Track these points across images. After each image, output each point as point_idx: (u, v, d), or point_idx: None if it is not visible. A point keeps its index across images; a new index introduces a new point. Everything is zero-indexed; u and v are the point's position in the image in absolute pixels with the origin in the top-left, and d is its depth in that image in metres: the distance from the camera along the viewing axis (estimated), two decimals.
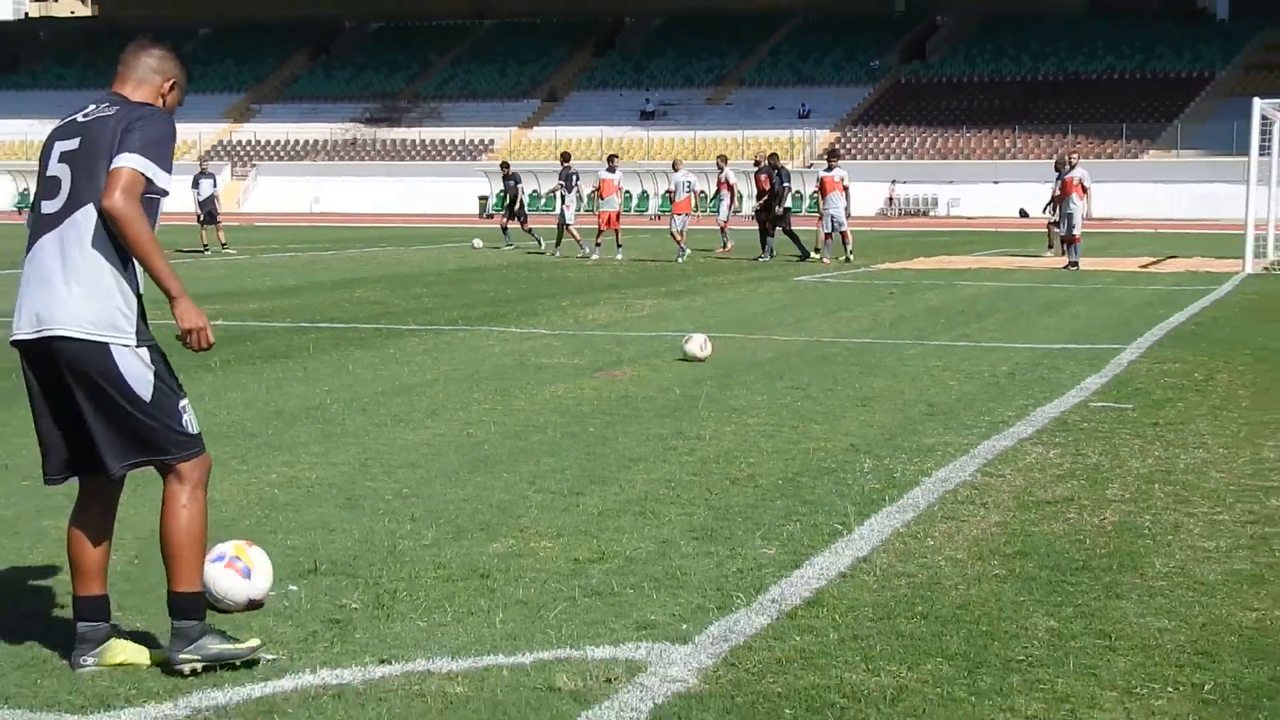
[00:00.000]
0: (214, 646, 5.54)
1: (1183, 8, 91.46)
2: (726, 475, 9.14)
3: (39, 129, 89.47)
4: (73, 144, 5.68)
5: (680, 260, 34.24)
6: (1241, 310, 21.30)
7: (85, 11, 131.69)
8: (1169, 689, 5.38)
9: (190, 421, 5.68)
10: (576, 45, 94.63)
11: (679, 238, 35.37)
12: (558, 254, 37.26)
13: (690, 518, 8.02)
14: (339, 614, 6.28)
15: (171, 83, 5.91)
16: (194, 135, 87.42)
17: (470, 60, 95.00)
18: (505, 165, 43.87)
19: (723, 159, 39.25)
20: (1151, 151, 75.56)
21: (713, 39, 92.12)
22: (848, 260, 33.35)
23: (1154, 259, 35.52)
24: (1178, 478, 9.05)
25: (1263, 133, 31.07)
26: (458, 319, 19.64)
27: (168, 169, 5.66)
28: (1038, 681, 5.44)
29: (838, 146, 58.47)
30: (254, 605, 6.00)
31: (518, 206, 42.03)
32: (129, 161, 5.52)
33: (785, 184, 36.80)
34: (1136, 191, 70.26)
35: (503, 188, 43.96)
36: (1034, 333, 18.12)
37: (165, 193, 5.68)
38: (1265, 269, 30.16)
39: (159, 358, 5.63)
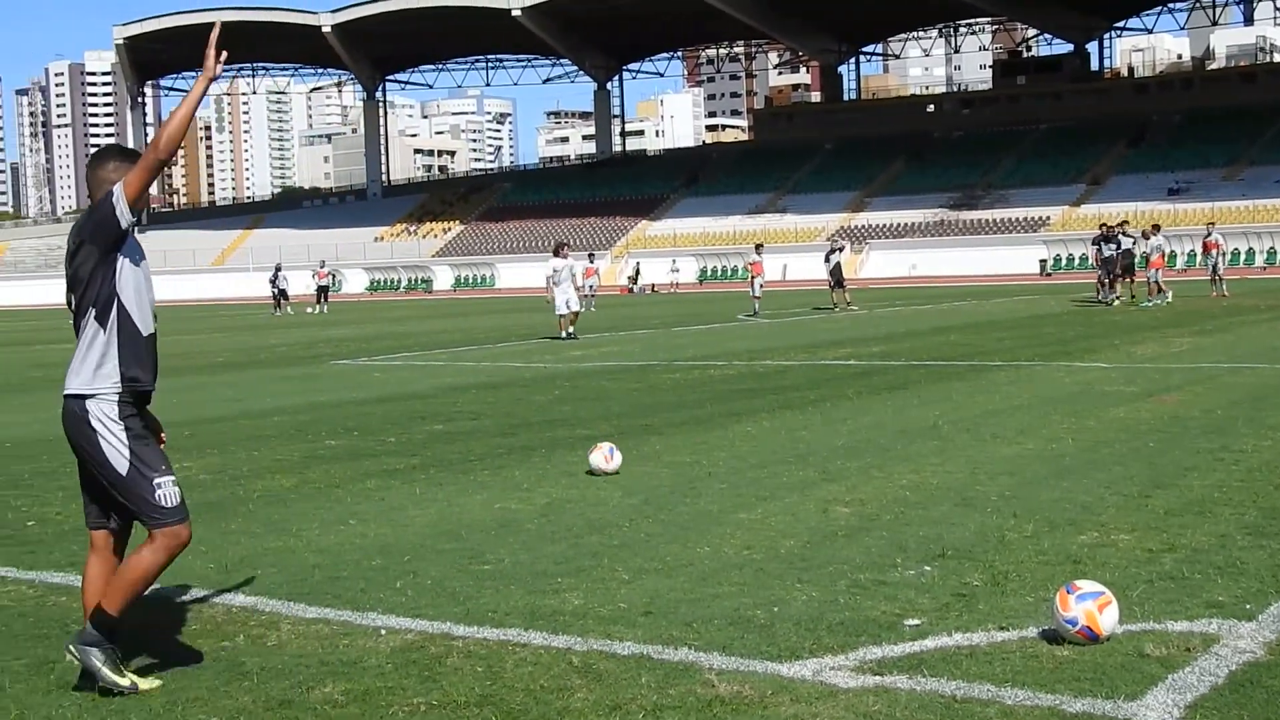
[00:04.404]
0: (94, 661, 4.82)
1: None
2: (1270, 482, 8.38)
3: (714, 225, 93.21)
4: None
5: (1156, 304, 32.51)
6: None
7: (744, 138, 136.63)
8: None
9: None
10: (1112, 141, 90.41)
11: (1152, 287, 34.02)
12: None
13: (1242, 516, 7.40)
14: (964, 589, 6.09)
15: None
16: (822, 223, 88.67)
17: (1030, 156, 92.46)
18: (1120, 226, 35.63)
19: (1210, 224, 37.56)
20: None
21: (1225, 128, 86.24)
22: None
23: None
24: None
25: None
26: (1033, 356, 18.95)
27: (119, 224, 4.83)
28: None
29: None
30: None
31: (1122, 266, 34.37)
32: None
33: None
34: None
35: (1116, 250, 34.38)
36: None
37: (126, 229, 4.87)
38: None
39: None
